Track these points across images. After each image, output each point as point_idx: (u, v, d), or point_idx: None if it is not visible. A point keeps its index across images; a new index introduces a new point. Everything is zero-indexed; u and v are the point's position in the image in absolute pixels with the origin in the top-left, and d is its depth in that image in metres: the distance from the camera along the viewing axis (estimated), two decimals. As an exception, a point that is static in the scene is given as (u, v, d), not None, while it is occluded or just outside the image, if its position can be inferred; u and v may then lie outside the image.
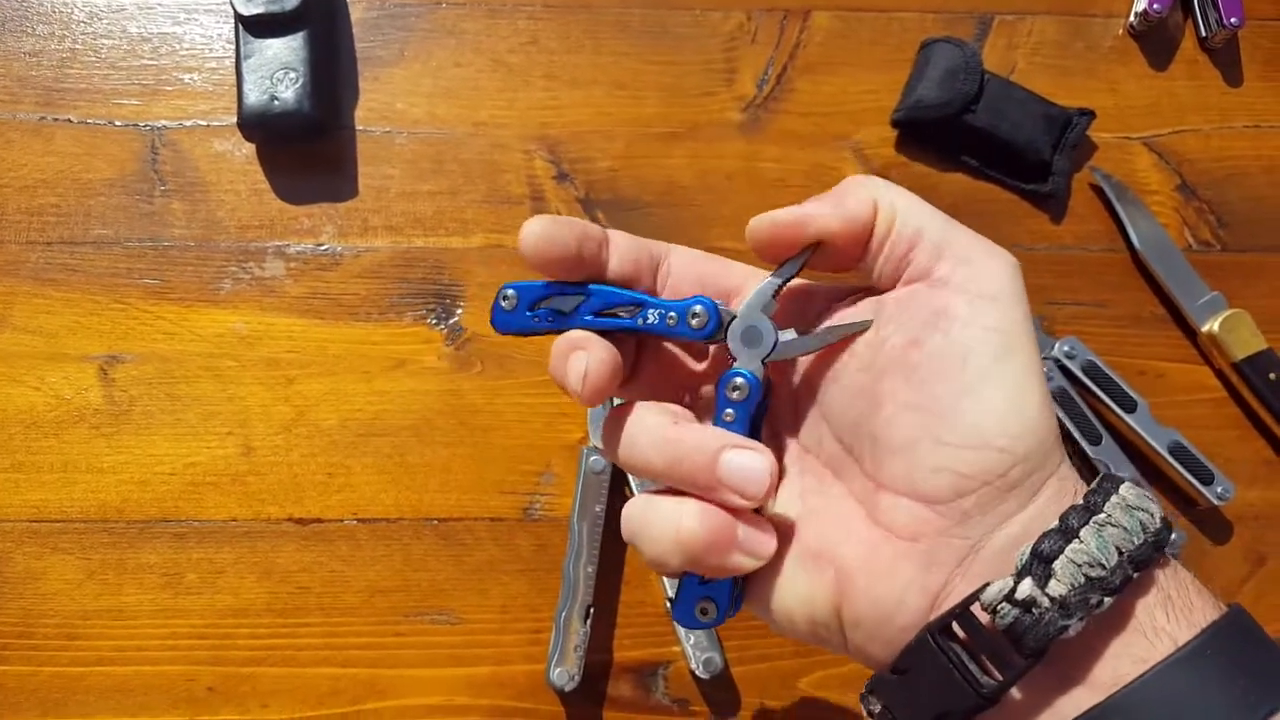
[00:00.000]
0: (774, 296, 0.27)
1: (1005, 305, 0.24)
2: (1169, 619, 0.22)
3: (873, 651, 0.25)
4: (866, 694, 0.26)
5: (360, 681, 0.44)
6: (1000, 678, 0.22)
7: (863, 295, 0.27)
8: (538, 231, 0.26)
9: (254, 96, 0.48)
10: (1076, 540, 0.22)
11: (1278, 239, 0.52)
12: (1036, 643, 0.22)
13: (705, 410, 0.28)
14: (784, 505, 0.27)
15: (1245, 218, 0.53)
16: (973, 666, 0.23)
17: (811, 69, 0.53)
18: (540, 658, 0.44)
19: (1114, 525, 0.23)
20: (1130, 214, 0.51)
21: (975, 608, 0.23)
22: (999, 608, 0.22)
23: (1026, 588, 0.22)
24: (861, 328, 0.27)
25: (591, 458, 0.45)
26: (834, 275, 0.29)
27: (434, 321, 0.48)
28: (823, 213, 0.26)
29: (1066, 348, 0.48)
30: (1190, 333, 0.51)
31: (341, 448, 0.46)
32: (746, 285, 0.29)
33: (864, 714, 0.26)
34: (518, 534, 0.46)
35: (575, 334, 0.27)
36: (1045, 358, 0.48)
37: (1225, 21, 0.53)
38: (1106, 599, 0.22)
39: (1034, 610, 0.22)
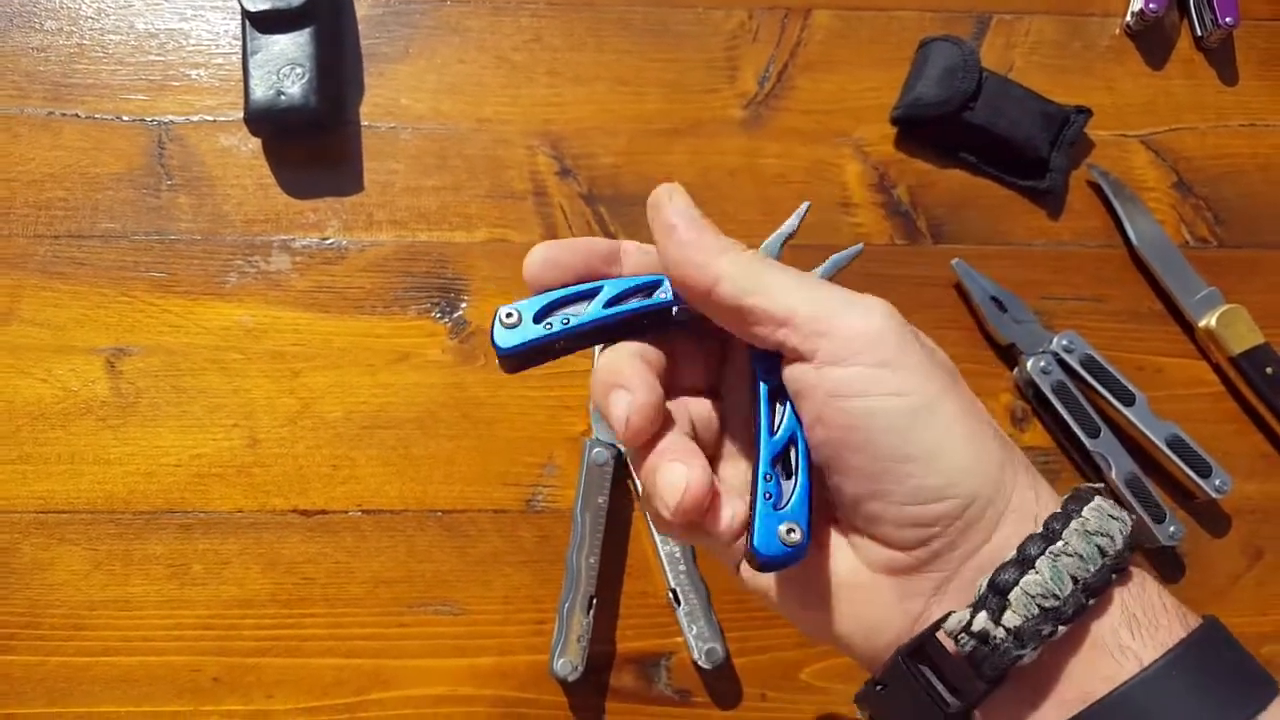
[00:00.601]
0: (781, 246, 0.28)
1: (894, 366, 0.24)
2: (1134, 638, 0.23)
3: (864, 664, 0.26)
4: (858, 700, 0.27)
5: (364, 672, 0.44)
6: (963, 701, 0.24)
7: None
8: (540, 259, 0.27)
9: (260, 92, 0.48)
10: (1032, 571, 0.23)
11: (1273, 235, 0.53)
12: (993, 671, 0.23)
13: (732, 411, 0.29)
14: None
15: (1241, 214, 0.53)
16: (941, 688, 0.24)
17: (812, 67, 0.54)
18: (543, 648, 0.44)
19: (1069, 554, 0.23)
20: (1128, 211, 0.52)
21: (941, 633, 0.24)
22: (959, 637, 0.23)
23: (981, 620, 0.23)
24: (856, 253, 0.27)
25: (594, 450, 0.46)
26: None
27: (438, 315, 0.49)
28: (686, 240, 0.26)
29: (1065, 342, 0.48)
30: (1188, 328, 0.51)
31: (346, 440, 0.47)
32: None
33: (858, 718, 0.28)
34: (521, 526, 0.46)
35: (618, 366, 0.26)
36: (1044, 351, 0.48)
37: (1220, 21, 0.54)
38: (1061, 627, 0.23)
39: (989, 641, 0.23)
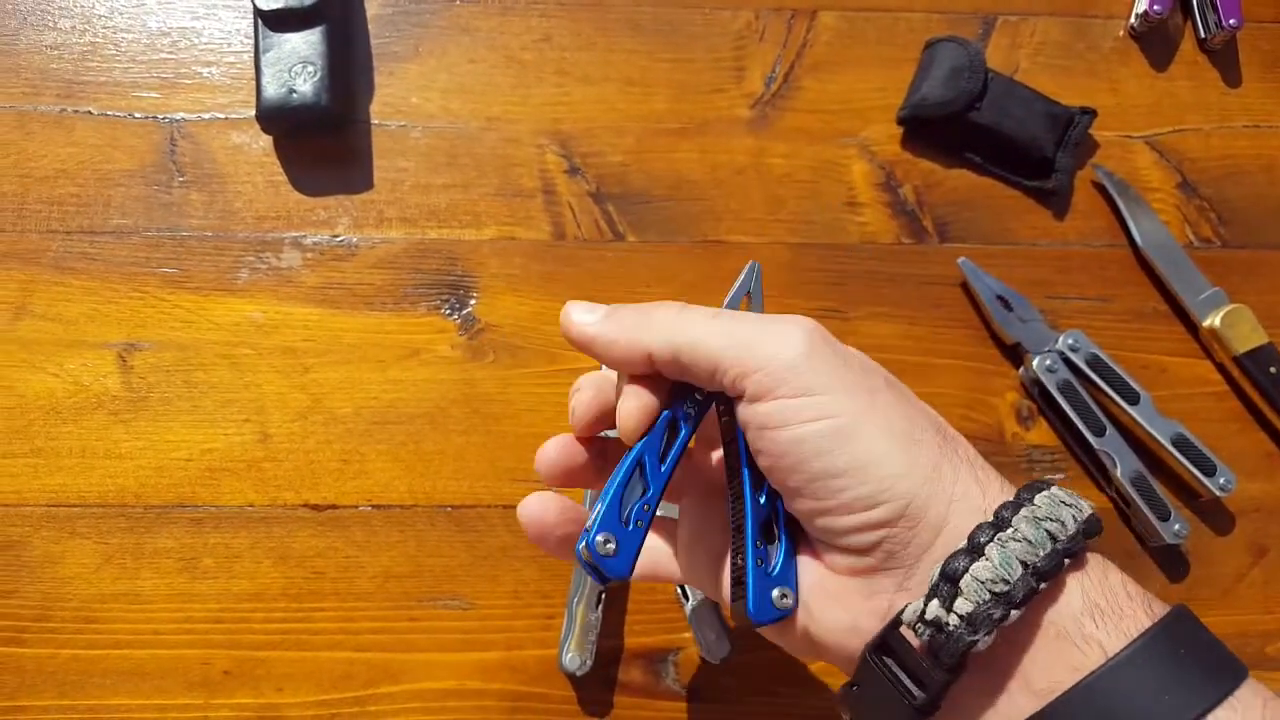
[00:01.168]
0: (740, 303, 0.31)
1: (813, 392, 0.26)
2: (1098, 627, 0.24)
3: (841, 667, 0.28)
4: (837, 702, 0.28)
5: (374, 665, 0.44)
6: (928, 691, 0.24)
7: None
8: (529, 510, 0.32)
9: (272, 90, 0.49)
10: (982, 558, 0.24)
11: (1277, 235, 0.53)
12: (950, 658, 0.24)
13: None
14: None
15: (1245, 215, 0.54)
16: (907, 680, 0.25)
17: (818, 67, 0.54)
18: (552, 643, 0.45)
19: (1017, 540, 0.24)
20: (1132, 211, 0.52)
21: (904, 627, 0.25)
22: (916, 627, 0.24)
23: (934, 609, 0.24)
24: (754, 273, 0.32)
25: (603, 446, 0.46)
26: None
27: (448, 312, 0.49)
28: (607, 340, 0.29)
29: (1070, 341, 0.49)
30: (1192, 327, 0.51)
31: (356, 435, 0.47)
32: None
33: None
34: (529, 521, 0.46)
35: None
36: (1050, 350, 0.49)
37: (1224, 23, 0.54)
38: (1012, 611, 0.23)
39: (943, 628, 0.24)
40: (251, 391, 0.47)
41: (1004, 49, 0.55)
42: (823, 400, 0.26)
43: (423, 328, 0.49)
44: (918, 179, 0.53)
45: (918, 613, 0.24)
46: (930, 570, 0.25)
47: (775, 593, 0.27)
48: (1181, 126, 0.55)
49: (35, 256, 0.48)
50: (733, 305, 0.32)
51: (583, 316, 0.30)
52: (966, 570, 0.24)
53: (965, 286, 0.51)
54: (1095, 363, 0.48)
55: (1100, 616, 0.24)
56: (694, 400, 0.30)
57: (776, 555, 0.28)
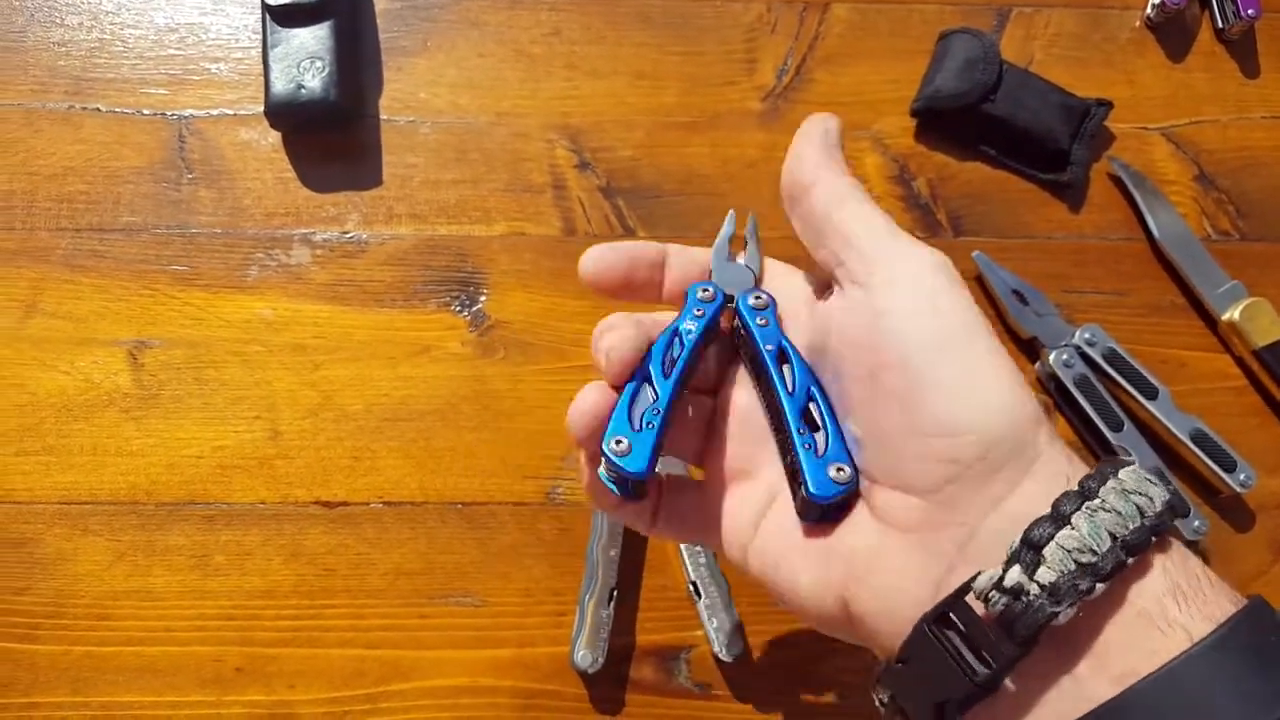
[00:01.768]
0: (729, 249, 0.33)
1: (938, 296, 0.26)
2: (1181, 610, 0.22)
3: (881, 642, 0.25)
4: (875, 684, 0.26)
5: (385, 663, 0.44)
6: (994, 666, 0.22)
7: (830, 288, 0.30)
8: (594, 260, 0.31)
9: (281, 85, 0.48)
10: (1068, 526, 0.22)
11: (1297, 228, 0.53)
12: (1026, 630, 0.22)
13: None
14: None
15: (1263, 207, 0.53)
16: (969, 655, 0.23)
17: (830, 60, 0.54)
18: (563, 640, 0.44)
19: (1107, 510, 0.22)
20: (1149, 203, 0.52)
21: (970, 597, 0.23)
22: (989, 595, 0.22)
23: (1015, 575, 0.22)
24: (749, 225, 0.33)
25: (614, 442, 0.46)
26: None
27: (458, 308, 0.49)
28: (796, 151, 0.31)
29: (1087, 335, 0.48)
30: (1210, 321, 0.51)
31: (367, 432, 0.47)
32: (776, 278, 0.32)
33: (875, 704, 0.27)
34: (541, 518, 0.46)
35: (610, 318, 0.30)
36: (1066, 345, 0.48)
37: (1242, 13, 0.53)
38: (1098, 584, 0.22)
39: (1023, 597, 0.22)
40: (262, 389, 0.47)
41: (1018, 40, 0.55)
42: (948, 308, 0.25)
43: (433, 324, 0.48)
44: (931, 172, 0.52)
45: (994, 579, 0.22)
46: (992, 542, 0.23)
47: (831, 470, 0.27)
48: (1199, 118, 0.54)
49: (45, 254, 0.48)
50: (720, 254, 0.33)
51: (832, 126, 0.31)
52: (1051, 538, 0.22)
53: (980, 280, 0.50)
54: (1112, 357, 0.48)
55: (1183, 600, 0.22)
56: (693, 315, 0.30)
57: (826, 440, 0.28)
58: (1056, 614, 0.22)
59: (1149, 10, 0.55)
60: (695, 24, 0.54)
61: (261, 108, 0.49)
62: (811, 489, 0.27)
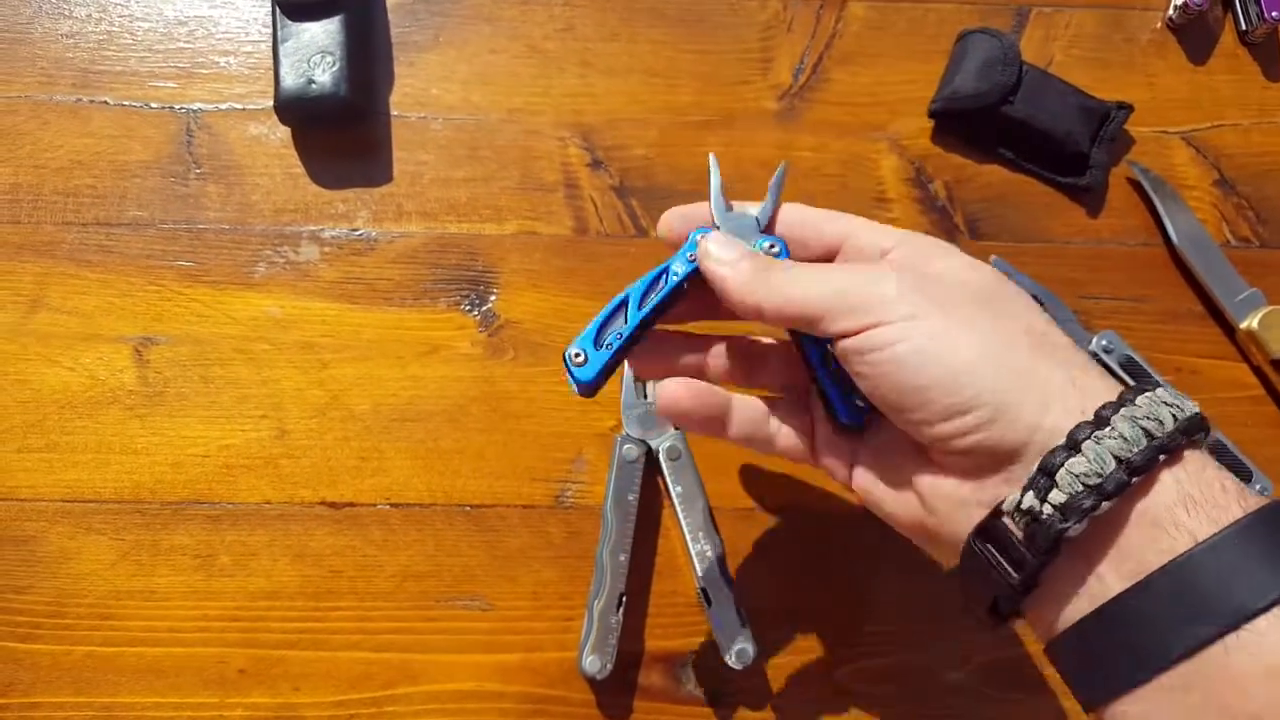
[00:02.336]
0: (725, 200, 0.35)
1: (907, 318, 0.29)
2: (1189, 515, 0.25)
3: (952, 558, 0.30)
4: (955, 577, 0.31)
5: (392, 666, 0.44)
6: (1023, 571, 0.27)
7: None
8: (670, 220, 0.36)
9: (290, 80, 0.48)
10: (1078, 454, 0.26)
11: (1319, 235, 0.52)
12: (1045, 543, 0.26)
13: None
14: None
15: (1285, 214, 0.52)
16: (1005, 563, 0.28)
17: (848, 59, 0.53)
18: (571, 645, 0.44)
19: (1113, 437, 0.26)
20: (1168, 208, 0.51)
21: (1005, 517, 0.27)
22: (1014, 516, 0.27)
23: (1030, 499, 0.26)
24: (783, 171, 0.35)
25: (624, 446, 0.45)
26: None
27: (468, 308, 0.48)
28: (733, 287, 0.33)
29: (1104, 342, 0.47)
30: (1228, 329, 0.50)
31: (375, 432, 0.46)
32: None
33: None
34: (549, 521, 0.46)
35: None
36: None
37: (1267, 15, 0.53)
38: (1104, 502, 0.25)
39: (1038, 517, 0.26)
40: (269, 387, 0.47)
41: (1038, 41, 0.54)
42: (909, 325, 0.29)
43: (442, 324, 0.48)
44: (949, 174, 0.52)
45: (1015, 503, 0.27)
46: (1031, 465, 0.27)
47: (858, 400, 0.33)
48: (1220, 122, 0.53)
49: (51, 248, 0.48)
50: (718, 205, 0.35)
51: (720, 254, 0.33)
52: (1062, 465, 0.26)
53: (996, 285, 0.49)
54: (1129, 364, 0.47)
55: (1193, 507, 0.25)
56: (685, 260, 0.34)
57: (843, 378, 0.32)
58: (1067, 528, 0.26)
59: (1171, 11, 0.54)
60: (711, 21, 0.53)
61: (271, 102, 0.48)
62: (842, 418, 0.33)
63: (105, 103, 0.50)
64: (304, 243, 0.49)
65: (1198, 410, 0.27)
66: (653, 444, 0.46)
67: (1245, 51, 0.55)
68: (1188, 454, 0.26)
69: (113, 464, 0.45)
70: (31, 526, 0.44)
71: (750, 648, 0.43)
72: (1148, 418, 0.26)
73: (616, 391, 0.47)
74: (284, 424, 0.46)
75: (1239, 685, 0.23)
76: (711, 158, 0.36)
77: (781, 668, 0.44)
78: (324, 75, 0.48)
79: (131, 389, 0.46)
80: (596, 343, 0.34)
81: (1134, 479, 0.25)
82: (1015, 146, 0.52)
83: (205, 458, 0.46)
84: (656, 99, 0.52)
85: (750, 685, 0.44)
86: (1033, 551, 0.26)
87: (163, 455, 0.46)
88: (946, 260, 0.31)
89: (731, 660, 0.43)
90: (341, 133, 0.50)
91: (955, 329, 0.28)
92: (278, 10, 0.49)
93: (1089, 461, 0.25)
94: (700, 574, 0.44)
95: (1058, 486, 0.26)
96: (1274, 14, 0.52)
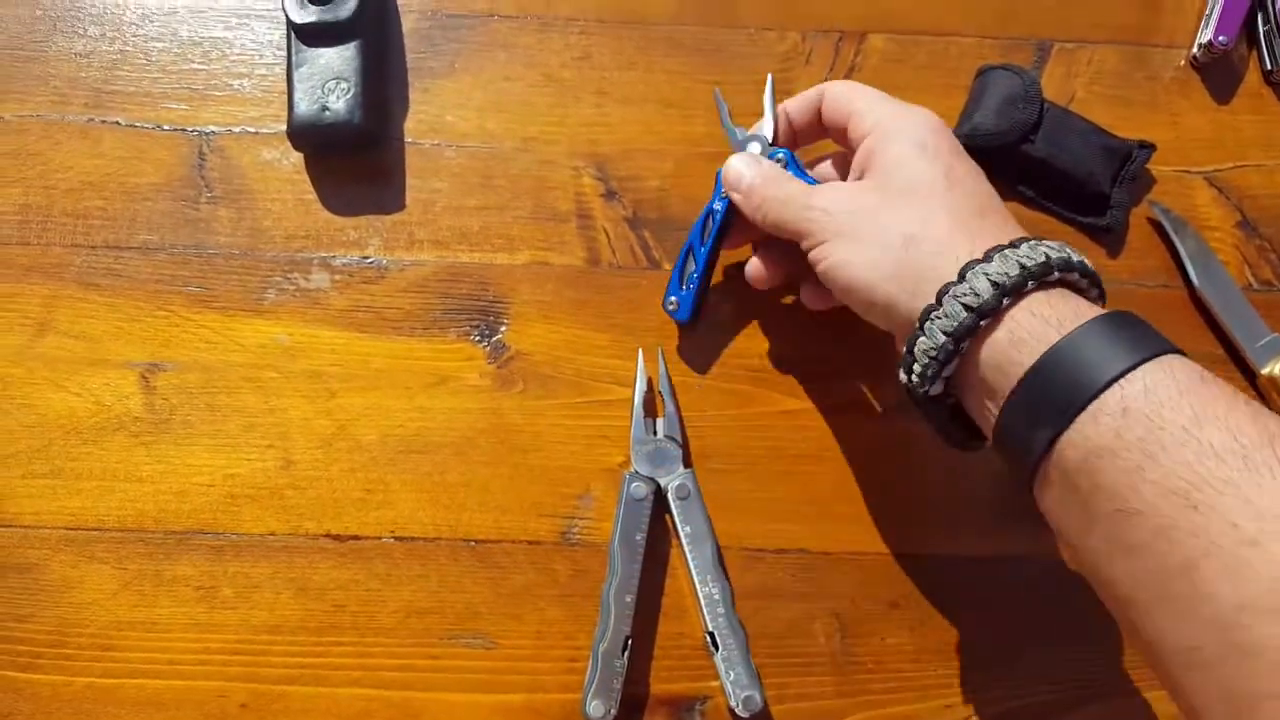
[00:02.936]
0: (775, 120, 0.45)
1: (840, 238, 0.38)
2: (1057, 332, 0.31)
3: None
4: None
5: (393, 704, 0.43)
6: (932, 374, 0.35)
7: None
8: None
9: (304, 106, 0.47)
10: (964, 282, 0.33)
11: (1343, 281, 0.51)
12: (922, 400, 0.36)
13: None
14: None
15: (1308, 258, 0.51)
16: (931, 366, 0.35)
17: (866, 92, 0.52)
18: (575, 686, 0.43)
19: (990, 270, 0.33)
20: (1189, 250, 0.50)
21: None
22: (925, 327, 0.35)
23: (902, 375, 0.37)
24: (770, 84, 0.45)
25: (633, 484, 0.45)
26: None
27: (477, 338, 0.48)
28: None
29: (1123, 387, 0.47)
30: (1249, 374, 0.49)
31: (381, 464, 0.46)
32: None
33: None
34: (555, 558, 0.45)
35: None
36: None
37: (1293, 55, 0.52)
38: (982, 321, 0.33)
39: (910, 388, 0.37)
40: (276, 416, 0.46)
41: (1059, 78, 0.53)
42: (830, 245, 0.38)
43: (451, 354, 0.47)
44: (966, 212, 0.51)
45: (905, 383, 0.37)
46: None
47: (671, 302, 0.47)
48: (1243, 162, 0.53)
49: (59, 271, 0.47)
50: (731, 136, 0.46)
51: (735, 178, 0.44)
52: (948, 290, 0.34)
53: (1013, 326, 0.49)
54: (1148, 411, 0.46)
55: (1060, 324, 0.32)
56: (720, 197, 0.44)
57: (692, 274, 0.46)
58: (927, 391, 0.36)
59: (1195, 50, 0.53)
60: (728, 52, 0.53)
61: (284, 126, 0.48)
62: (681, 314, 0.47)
63: (117, 123, 0.50)
64: (315, 269, 0.48)
65: (1074, 254, 0.34)
66: (662, 482, 0.45)
67: (1270, 91, 0.54)
68: (1065, 291, 0.34)
69: (117, 492, 0.45)
70: (34, 554, 0.44)
71: (758, 695, 0.42)
72: (1026, 256, 0.33)
73: (624, 426, 0.46)
74: (290, 454, 0.46)
75: (1105, 445, 0.30)
76: (716, 91, 0.44)
77: (788, 715, 0.44)
78: (339, 102, 0.47)
79: (138, 416, 0.46)
80: (681, 285, 0.46)
81: (1007, 300, 0.33)
82: (1035, 185, 0.51)
83: (210, 487, 0.45)
84: (672, 129, 0.51)
85: (756, 731, 0.43)
86: (931, 407, 0.37)
87: (167, 484, 0.45)
88: (899, 146, 0.38)
89: (739, 707, 0.42)
90: (354, 159, 0.50)
91: (861, 248, 0.37)
92: (293, 34, 0.48)
93: (970, 287, 0.33)
94: (708, 617, 0.43)
95: (943, 308, 0.34)
96: (1300, 55, 0.52)
